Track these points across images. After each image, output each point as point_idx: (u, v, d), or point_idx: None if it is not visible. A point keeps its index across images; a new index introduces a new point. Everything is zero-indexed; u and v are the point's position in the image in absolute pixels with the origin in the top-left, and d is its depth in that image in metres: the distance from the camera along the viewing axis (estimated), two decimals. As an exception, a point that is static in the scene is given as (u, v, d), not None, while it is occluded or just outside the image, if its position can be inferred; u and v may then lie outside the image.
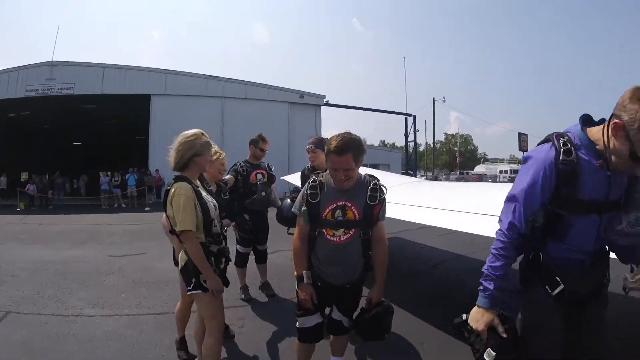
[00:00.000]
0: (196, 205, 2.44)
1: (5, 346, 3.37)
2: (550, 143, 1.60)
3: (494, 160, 68.61)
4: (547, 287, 1.65)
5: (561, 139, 1.57)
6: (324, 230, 2.36)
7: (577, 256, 1.64)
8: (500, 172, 43.58)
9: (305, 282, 2.39)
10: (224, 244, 2.69)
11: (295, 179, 5.84)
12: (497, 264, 1.66)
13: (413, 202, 4.31)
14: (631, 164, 1.44)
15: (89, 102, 20.63)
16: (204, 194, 2.57)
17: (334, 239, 2.35)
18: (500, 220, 1.74)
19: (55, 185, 18.52)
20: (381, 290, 2.42)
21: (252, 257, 4.61)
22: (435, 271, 6.00)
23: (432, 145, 53.20)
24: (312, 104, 24.10)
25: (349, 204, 2.32)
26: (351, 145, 2.21)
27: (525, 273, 1.77)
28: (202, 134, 2.61)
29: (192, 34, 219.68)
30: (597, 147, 1.52)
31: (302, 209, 2.41)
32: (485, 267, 1.70)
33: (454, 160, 61.06)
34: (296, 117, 23.06)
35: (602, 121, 1.56)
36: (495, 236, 1.74)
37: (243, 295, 4.51)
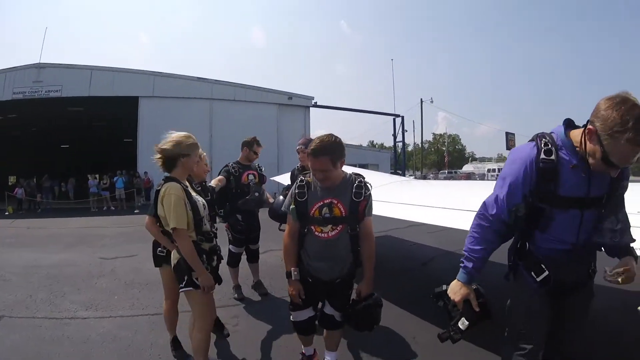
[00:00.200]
0: (186, 204, 2.52)
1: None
2: (534, 143, 1.73)
3: (482, 159, 69.21)
4: (532, 273, 1.80)
5: (543, 139, 1.70)
6: (312, 227, 2.47)
7: (561, 246, 1.76)
8: (488, 170, 44.18)
9: (293, 278, 2.51)
10: (214, 241, 2.77)
11: (284, 179, 5.91)
12: (477, 247, 1.84)
13: (403, 200, 4.41)
14: (604, 166, 1.56)
15: (76, 105, 20.35)
16: (193, 193, 2.66)
17: (322, 235, 2.45)
18: (484, 205, 1.86)
19: (43, 189, 18.29)
20: (370, 284, 2.52)
21: (244, 257, 4.65)
22: (425, 268, 6.10)
23: (420, 145, 53.55)
24: (300, 105, 24.13)
25: (335, 201, 2.43)
26: (328, 148, 2.33)
27: (514, 260, 1.92)
28: (190, 136, 2.72)
29: (180, 37, 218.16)
30: (577, 148, 1.65)
31: (291, 207, 2.52)
32: (465, 247, 1.89)
33: (443, 159, 61.55)
34: (285, 119, 23.05)
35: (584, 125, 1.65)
36: (476, 220, 1.89)
37: (236, 295, 4.55)
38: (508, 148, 43.80)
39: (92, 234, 9.84)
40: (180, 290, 2.61)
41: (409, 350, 3.33)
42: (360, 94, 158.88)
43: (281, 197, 3.55)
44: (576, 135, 1.66)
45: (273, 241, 4.99)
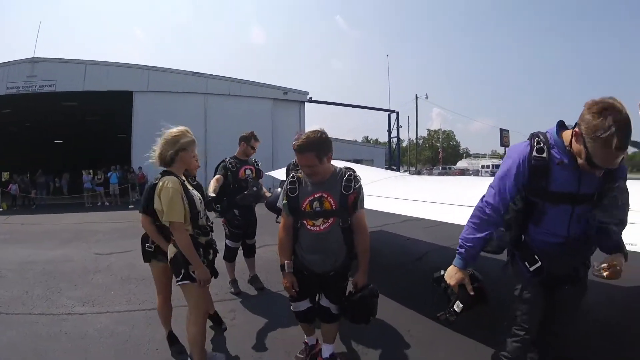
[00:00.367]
0: (183, 197, 2.55)
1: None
2: (528, 141, 1.87)
3: (476, 156, 69.64)
4: (526, 263, 1.94)
5: (537, 138, 1.84)
6: (304, 221, 2.55)
7: (554, 239, 1.88)
8: (482, 166, 44.36)
9: (287, 270, 2.61)
10: (211, 235, 2.80)
11: (280, 174, 5.94)
12: (471, 236, 2.00)
13: (397, 195, 4.45)
14: (588, 166, 1.67)
15: (70, 100, 20.21)
16: (189, 187, 2.69)
17: (314, 228, 2.53)
18: (482, 199, 2.02)
19: (37, 185, 18.17)
20: (365, 275, 2.59)
21: (240, 252, 4.68)
22: (419, 263, 6.15)
23: (414, 141, 53.64)
24: (295, 100, 24.12)
25: (326, 195, 2.50)
26: (313, 144, 2.40)
27: (511, 251, 2.06)
28: (187, 131, 2.74)
29: (175, 32, 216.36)
30: (568, 148, 1.76)
31: (283, 202, 2.63)
32: (461, 235, 2.04)
33: (437, 155, 61.72)
34: (280, 114, 23.06)
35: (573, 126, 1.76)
36: (474, 211, 2.04)
37: (233, 289, 4.58)
38: (502, 145, 44.14)
39: (86, 230, 9.82)
40: (177, 283, 2.63)
41: (403, 342, 3.38)
42: (356, 89, 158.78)
43: (279, 190, 3.61)
44: (567, 135, 1.77)
45: (269, 236, 4.99)
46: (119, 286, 4.97)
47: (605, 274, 1.74)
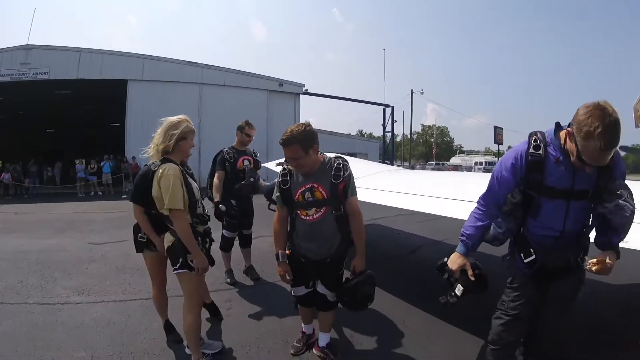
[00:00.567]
0: (183, 186, 2.55)
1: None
2: (527, 140, 2.00)
3: (470, 152, 69.97)
4: (522, 255, 2.08)
5: (534, 136, 1.97)
6: (298, 211, 2.66)
7: (549, 233, 2.01)
8: (476, 163, 44.67)
9: (281, 259, 2.73)
10: (208, 224, 2.81)
11: (270, 164, 5.95)
12: (471, 225, 2.18)
13: (393, 189, 4.48)
14: (580, 163, 1.79)
15: (64, 88, 19.95)
16: (187, 176, 2.69)
17: (308, 218, 2.63)
18: (484, 192, 2.19)
19: (30, 174, 17.99)
20: (362, 259, 2.70)
21: (236, 242, 4.70)
22: (413, 256, 6.21)
23: (409, 136, 53.71)
24: (291, 92, 24.01)
25: (316, 185, 2.60)
26: (297, 137, 2.48)
27: (511, 242, 2.21)
28: (187, 119, 2.73)
29: (168, 26, 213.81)
30: (564, 146, 1.87)
31: (276, 195, 2.75)
32: (465, 224, 2.23)
33: (430, 151, 61.89)
34: (275, 105, 22.94)
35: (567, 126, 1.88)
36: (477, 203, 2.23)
37: (229, 279, 4.61)
38: (496, 142, 44.37)
39: (80, 219, 9.76)
40: (174, 272, 2.63)
41: (399, 333, 3.43)
42: (351, 83, 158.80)
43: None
44: (563, 135, 1.89)
45: (264, 227, 5.03)
46: (114, 276, 4.97)
47: (594, 268, 1.84)
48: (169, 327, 3.23)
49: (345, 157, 2.92)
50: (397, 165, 32.48)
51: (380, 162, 26.29)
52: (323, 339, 2.97)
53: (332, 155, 2.79)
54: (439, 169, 39.36)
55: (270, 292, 4.44)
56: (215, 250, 3.38)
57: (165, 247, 2.67)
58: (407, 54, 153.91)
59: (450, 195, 3.58)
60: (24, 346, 3.14)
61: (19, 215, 11.02)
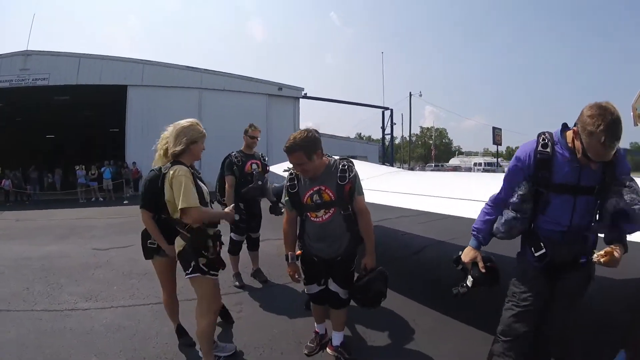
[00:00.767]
0: (194, 187, 2.54)
1: (-1, 345, 3.28)
2: (536, 139, 2.11)
3: (469, 153, 70.25)
4: (532, 249, 2.16)
5: (542, 136, 2.09)
6: (308, 213, 2.74)
7: (558, 228, 2.09)
8: (475, 164, 44.71)
9: (290, 261, 2.84)
10: (218, 227, 2.78)
11: (276, 168, 5.95)
12: (481, 219, 2.31)
13: (397, 190, 4.50)
14: (586, 160, 1.90)
15: (63, 93, 19.91)
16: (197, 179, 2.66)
17: (317, 219, 2.71)
18: (498, 191, 2.29)
19: (30, 180, 17.94)
20: (372, 257, 2.79)
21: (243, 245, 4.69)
22: (417, 257, 6.22)
23: (408, 139, 53.81)
24: (290, 96, 24.05)
25: (324, 188, 2.67)
26: (299, 144, 2.55)
27: (522, 237, 2.28)
28: (197, 123, 2.72)
29: (169, 26, 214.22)
30: (570, 145, 1.99)
31: (285, 199, 2.84)
32: (476, 220, 2.35)
33: (429, 153, 62.03)
34: (274, 109, 22.98)
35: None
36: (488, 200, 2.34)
37: (237, 282, 4.61)
38: (495, 143, 44.60)
39: (82, 225, 9.72)
40: (187, 276, 2.61)
41: (410, 331, 3.47)
42: (350, 87, 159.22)
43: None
44: (570, 135, 2.01)
45: (270, 231, 5.04)
46: (121, 281, 4.94)
47: (602, 259, 1.90)
48: (180, 332, 3.21)
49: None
50: (397, 168, 32.53)
51: (380, 164, 26.30)
52: (337, 338, 3.00)
53: (337, 157, 2.84)
54: (438, 171, 39.44)
55: (279, 294, 4.44)
56: (224, 253, 3.36)
57: (176, 251, 2.65)
58: (405, 56, 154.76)
59: (454, 195, 3.63)
60: (33, 353, 3.10)
61: (20, 221, 10.96)
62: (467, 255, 2.30)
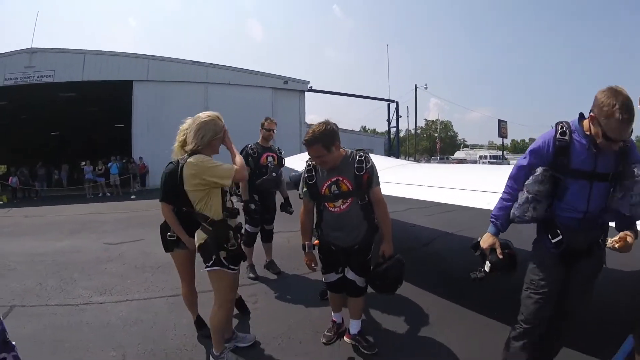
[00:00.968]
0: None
1: (15, 340, 3.28)
2: (555, 127, 2.20)
3: (474, 146, 69.93)
4: (549, 235, 2.21)
5: (560, 124, 2.18)
6: (326, 204, 2.79)
7: (574, 215, 2.16)
8: (480, 157, 44.47)
9: (307, 250, 2.90)
10: (238, 218, 2.76)
11: (290, 161, 5.94)
12: (499, 206, 2.35)
13: (410, 182, 4.48)
14: (607, 143, 1.98)
15: (69, 90, 19.92)
16: None
17: (336, 209, 2.77)
18: (510, 174, 2.34)
19: (38, 177, 18.02)
20: (390, 244, 2.82)
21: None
22: (427, 248, 6.21)
23: (413, 131, 53.64)
24: (296, 89, 23.98)
25: (341, 178, 2.73)
26: (318, 137, 2.61)
27: (538, 225, 2.33)
28: (218, 117, 2.67)
29: (169, 26, 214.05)
30: (587, 132, 2.08)
31: (303, 190, 2.89)
32: (494, 207, 2.39)
33: (434, 145, 61.82)
34: (280, 103, 22.91)
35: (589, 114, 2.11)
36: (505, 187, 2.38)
37: (251, 274, 4.63)
38: (500, 135, 44.37)
39: (92, 220, 9.76)
40: (206, 269, 2.59)
41: (424, 319, 3.56)
42: (353, 80, 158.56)
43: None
44: (586, 123, 2.10)
45: (281, 223, 5.03)
46: (134, 275, 4.94)
47: (617, 245, 2.00)
48: (200, 323, 3.21)
49: None
50: (404, 160, 32.43)
51: (386, 157, 26.24)
52: (354, 326, 3.04)
53: (353, 149, 2.88)
54: (443, 164, 39.28)
55: (293, 284, 4.46)
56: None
57: (197, 244, 2.62)
58: (408, 49, 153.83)
59: (465, 186, 3.67)
60: (51, 348, 3.10)
61: (29, 218, 11.02)
62: (485, 241, 2.34)
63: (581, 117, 2.17)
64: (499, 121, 44.42)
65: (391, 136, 33.30)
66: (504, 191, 2.37)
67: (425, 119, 76.27)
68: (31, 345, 3.12)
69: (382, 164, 5.96)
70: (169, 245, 3.00)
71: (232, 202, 2.75)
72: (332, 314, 3.19)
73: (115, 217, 10.19)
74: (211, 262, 2.55)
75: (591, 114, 2.02)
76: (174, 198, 2.77)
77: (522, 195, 2.19)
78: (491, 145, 67.53)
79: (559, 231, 2.17)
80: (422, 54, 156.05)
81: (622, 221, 2.13)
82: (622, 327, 2.62)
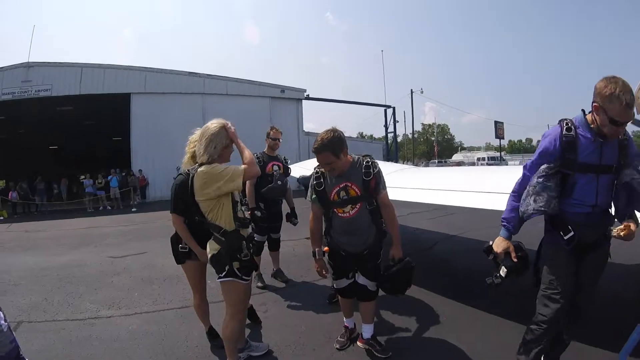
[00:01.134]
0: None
1: (26, 356, 3.26)
2: (559, 125, 2.25)
3: (471, 149, 70.13)
4: (561, 232, 2.23)
5: (565, 121, 2.23)
6: (335, 210, 2.83)
7: (583, 209, 2.21)
8: (478, 159, 44.57)
9: (317, 257, 2.90)
10: (250, 228, 2.75)
11: (295, 170, 5.95)
12: (508, 209, 2.38)
13: (414, 186, 4.49)
14: (614, 128, 2.05)
15: (66, 104, 19.89)
16: None
17: (345, 215, 2.81)
18: (521, 176, 2.38)
19: (37, 191, 17.96)
20: (399, 247, 2.86)
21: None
22: (431, 251, 6.24)
23: (410, 136, 53.73)
24: (293, 98, 24.01)
25: (350, 184, 2.78)
26: (327, 144, 2.67)
27: (548, 223, 2.36)
28: (224, 125, 2.64)
29: (163, 31, 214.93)
30: (591, 126, 2.15)
31: (312, 197, 2.93)
32: (505, 211, 2.41)
33: (432, 149, 61.95)
34: (278, 112, 22.86)
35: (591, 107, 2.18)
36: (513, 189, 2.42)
37: (259, 283, 4.62)
38: (497, 137, 44.42)
39: (94, 234, 9.72)
40: (219, 280, 2.56)
41: (434, 320, 3.59)
42: (348, 86, 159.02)
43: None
44: (589, 118, 2.17)
45: (286, 233, 5.02)
46: (141, 287, 4.92)
47: (622, 233, 2.07)
48: (212, 334, 3.19)
49: None
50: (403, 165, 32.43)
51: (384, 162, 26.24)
52: (367, 330, 3.06)
53: (359, 155, 2.94)
54: (442, 167, 39.32)
55: (302, 292, 4.46)
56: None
57: (209, 255, 2.60)
58: (402, 53, 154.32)
59: (468, 188, 3.73)
60: (63, 363, 3.04)
61: (30, 232, 10.94)
62: (499, 245, 2.33)
63: (584, 113, 2.23)
64: (496, 122, 44.56)
65: (389, 141, 33.37)
66: (511, 193, 2.40)
67: (422, 123, 76.52)
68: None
69: (383, 169, 5.97)
70: (181, 257, 2.98)
71: (243, 212, 2.73)
72: (344, 319, 3.21)
73: (117, 230, 10.14)
74: (224, 273, 2.53)
75: (594, 104, 2.08)
76: (184, 209, 2.76)
77: (528, 189, 2.24)
78: (488, 147, 67.63)
79: (570, 227, 2.20)
80: (416, 58, 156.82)
81: (624, 209, 2.18)
82: (629, 319, 2.62)
